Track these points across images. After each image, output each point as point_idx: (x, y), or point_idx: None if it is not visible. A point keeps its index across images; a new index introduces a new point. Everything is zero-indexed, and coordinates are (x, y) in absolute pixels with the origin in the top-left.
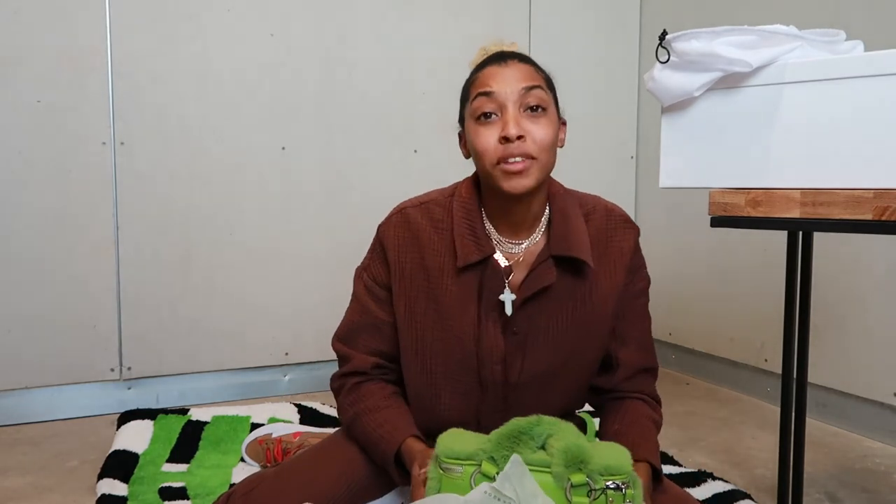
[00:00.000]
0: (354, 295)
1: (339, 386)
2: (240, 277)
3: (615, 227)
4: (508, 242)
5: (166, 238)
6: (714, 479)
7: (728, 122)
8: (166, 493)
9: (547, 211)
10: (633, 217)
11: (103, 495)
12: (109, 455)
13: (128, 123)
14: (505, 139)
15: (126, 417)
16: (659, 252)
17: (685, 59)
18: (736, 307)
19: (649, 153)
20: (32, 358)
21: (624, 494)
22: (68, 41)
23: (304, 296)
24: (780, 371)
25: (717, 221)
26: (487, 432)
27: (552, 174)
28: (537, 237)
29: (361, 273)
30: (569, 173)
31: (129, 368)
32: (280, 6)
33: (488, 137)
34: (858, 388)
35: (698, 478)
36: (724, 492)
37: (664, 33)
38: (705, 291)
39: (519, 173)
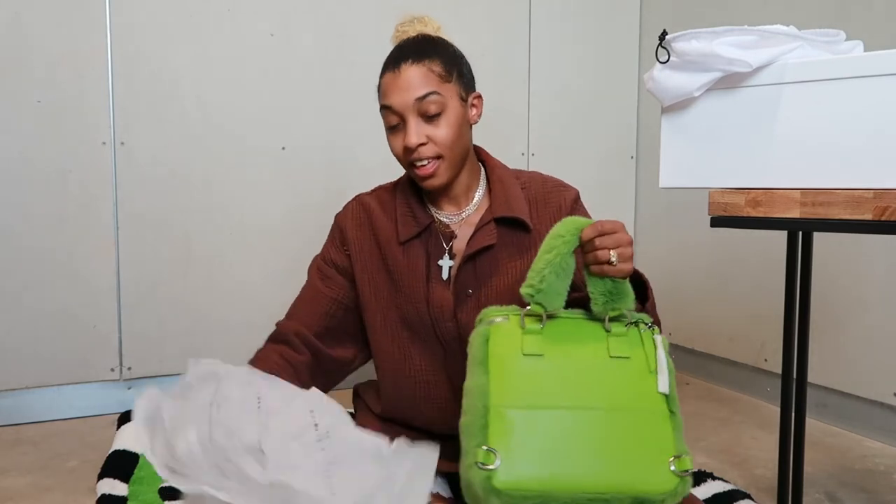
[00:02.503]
0: (307, 280)
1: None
2: (240, 277)
3: (551, 191)
4: (450, 214)
5: (166, 238)
6: (714, 479)
7: (728, 122)
8: (166, 493)
9: (485, 181)
10: (632, 217)
11: (103, 495)
12: (109, 455)
13: (128, 123)
14: (408, 148)
15: (126, 417)
16: (659, 252)
17: (685, 59)
18: (736, 307)
19: (649, 153)
20: (32, 358)
21: (652, 330)
22: (68, 41)
23: None
24: (780, 371)
25: (716, 221)
26: (459, 391)
27: (490, 150)
28: (476, 204)
29: (315, 259)
30: (569, 173)
31: (129, 368)
32: (280, 6)
33: (397, 143)
34: (858, 388)
35: (698, 478)
36: (724, 492)
37: (664, 33)
38: (705, 291)
39: (430, 175)
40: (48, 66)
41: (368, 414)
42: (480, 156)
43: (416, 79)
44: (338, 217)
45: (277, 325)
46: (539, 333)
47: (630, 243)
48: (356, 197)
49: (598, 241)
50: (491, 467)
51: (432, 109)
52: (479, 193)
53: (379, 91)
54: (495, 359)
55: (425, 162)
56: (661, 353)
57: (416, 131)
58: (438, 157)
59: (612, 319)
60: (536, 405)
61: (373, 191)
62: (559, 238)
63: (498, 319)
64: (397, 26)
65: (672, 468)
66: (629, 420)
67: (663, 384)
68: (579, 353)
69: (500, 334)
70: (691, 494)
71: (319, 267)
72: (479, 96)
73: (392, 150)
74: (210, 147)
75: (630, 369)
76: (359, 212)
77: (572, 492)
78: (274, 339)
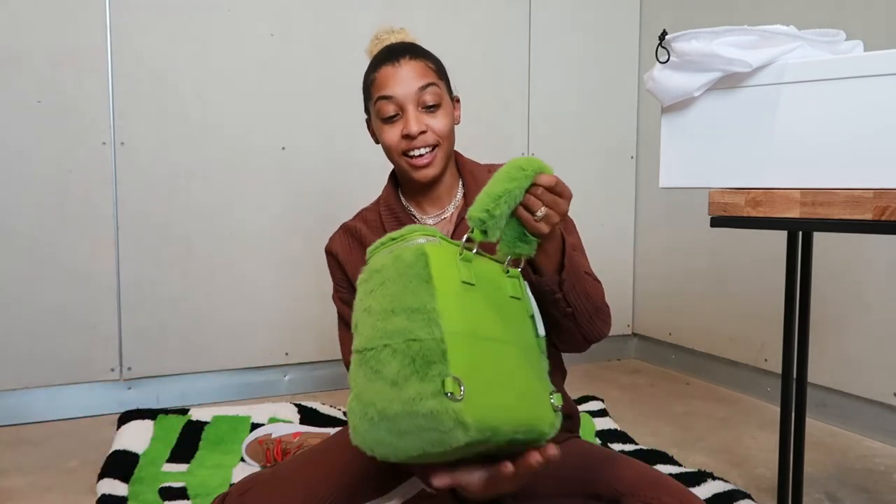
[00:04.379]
0: (338, 313)
1: None
2: (240, 277)
3: None
4: (433, 216)
5: (166, 238)
6: (714, 479)
7: (728, 122)
8: (166, 493)
9: (461, 180)
10: (632, 217)
11: (103, 495)
12: (109, 455)
13: (128, 123)
14: (408, 136)
15: (126, 417)
16: (659, 252)
17: (685, 59)
18: (736, 307)
19: (649, 153)
20: (32, 358)
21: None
22: (68, 41)
23: (305, 296)
24: (780, 371)
25: (716, 221)
26: None
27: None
28: (457, 202)
29: (334, 296)
30: (569, 173)
31: (129, 368)
32: (280, 6)
33: (393, 134)
34: (858, 388)
35: (698, 478)
36: (724, 492)
37: (664, 33)
38: (705, 291)
39: (425, 165)
40: (48, 66)
41: None
42: (455, 156)
43: (417, 71)
44: (326, 248)
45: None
46: (469, 262)
47: (562, 215)
48: (341, 226)
49: (539, 191)
50: (459, 398)
51: (432, 100)
52: (460, 192)
53: (371, 86)
54: (441, 280)
55: (422, 151)
56: (533, 299)
57: (417, 119)
58: (435, 147)
59: (510, 263)
60: (478, 335)
61: (355, 216)
62: (521, 171)
63: (422, 240)
64: (377, 34)
65: (552, 401)
66: (529, 357)
67: (542, 327)
68: (494, 289)
69: (437, 255)
70: (692, 494)
71: (343, 298)
72: (459, 99)
73: (385, 142)
74: (210, 147)
75: (521, 310)
76: (345, 239)
77: (513, 424)
78: None
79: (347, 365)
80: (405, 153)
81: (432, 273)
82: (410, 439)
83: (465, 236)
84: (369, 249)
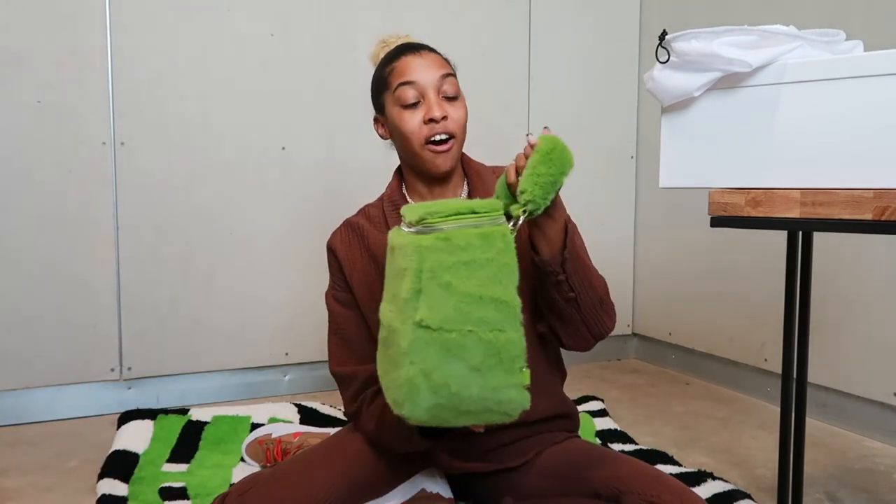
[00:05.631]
0: (329, 316)
1: (357, 408)
2: (240, 277)
3: None
4: None
5: (166, 238)
6: (714, 479)
7: (728, 122)
8: (166, 493)
9: (465, 179)
10: (632, 217)
11: (103, 495)
12: (109, 455)
13: (128, 123)
14: (431, 120)
15: (126, 417)
16: (659, 252)
17: (685, 59)
18: (736, 307)
19: (649, 153)
20: (32, 358)
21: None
22: (68, 41)
23: (305, 295)
24: (780, 371)
25: (716, 221)
26: None
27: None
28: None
29: (328, 293)
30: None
31: (129, 368)
32: (280, 6)
33: (414, 120)
34: (858, 388)
35: (698, 478)
36: (724, 492)
37: (664, 33)
38: (705, 291)
39: (445, 152)
40: (48, 66)
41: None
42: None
43: (437, 61)
44: (327, 243)
45: (353, 372)
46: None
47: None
48: (343, 221)
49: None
50: (528, 389)
51: (452, 90)
52: (464, 192)
53: (391, 74)
54: (517, 269)
55: (443, 136)
56: None
57: (439, 105)
58: (452, 138)
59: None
60: None
61: (358, 211)
62: (570, 167)
63: (501, 220)
64: (384, 38)
65: None
66: None
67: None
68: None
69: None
70: (693, 492)
71: (336, 298)
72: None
73: (406, 129)
74: (210, 147)
75: None
76: (347, 234)
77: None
78: (366, 385)
79: (338, 376)
80: (428, 140)
81: (516, 263)
82: (468, 418)
83: (522, 219)
84: (431, 207)
